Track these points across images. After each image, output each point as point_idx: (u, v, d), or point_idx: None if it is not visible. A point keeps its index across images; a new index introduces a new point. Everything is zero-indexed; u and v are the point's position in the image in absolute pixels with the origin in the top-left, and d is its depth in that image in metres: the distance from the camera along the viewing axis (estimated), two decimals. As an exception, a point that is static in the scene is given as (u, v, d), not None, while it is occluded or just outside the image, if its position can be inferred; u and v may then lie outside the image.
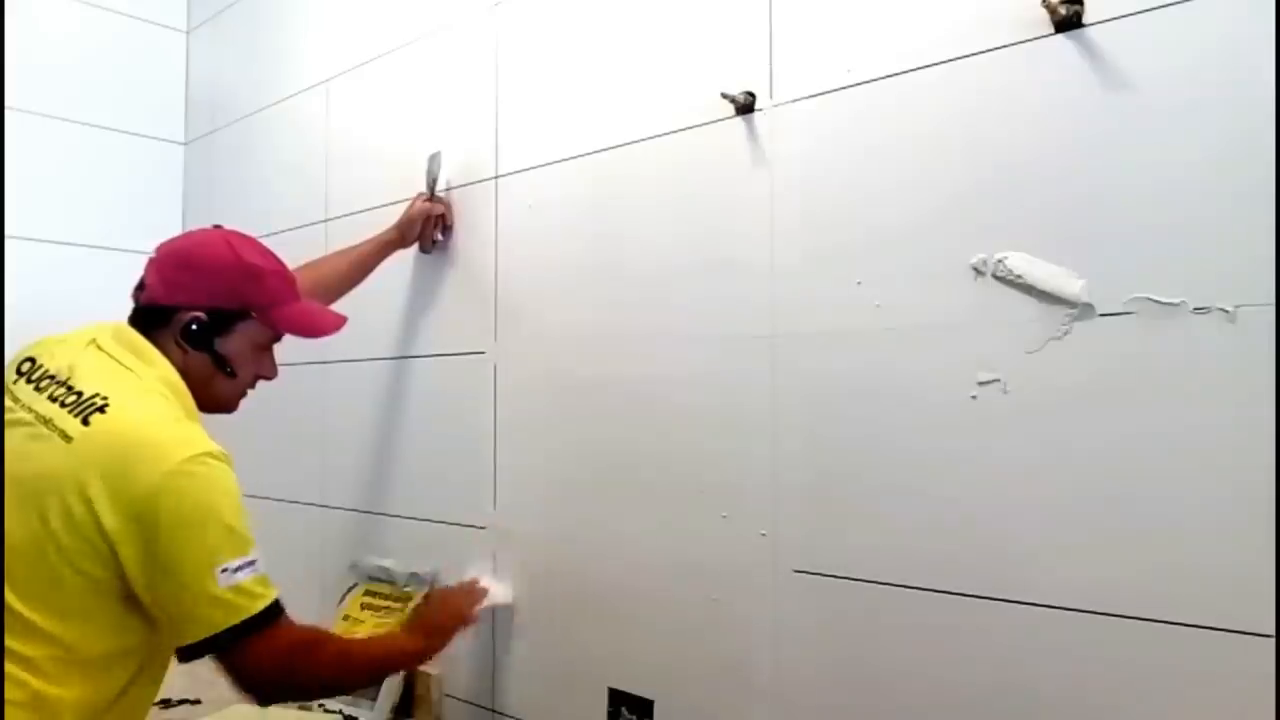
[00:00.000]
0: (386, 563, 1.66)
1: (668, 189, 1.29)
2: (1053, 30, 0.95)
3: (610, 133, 1.36)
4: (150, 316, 1.12)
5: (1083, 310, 0.92)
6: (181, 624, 1.00)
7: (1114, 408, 0.90)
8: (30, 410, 1.03)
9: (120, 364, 1.07)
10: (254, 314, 1.15)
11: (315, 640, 1.10)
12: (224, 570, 0.98)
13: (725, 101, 1.20)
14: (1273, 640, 0.81)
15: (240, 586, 0.99)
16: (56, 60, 2.17)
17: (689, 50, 1.27)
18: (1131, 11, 0.90)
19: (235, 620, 0.99)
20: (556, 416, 1.42)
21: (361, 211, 1.76)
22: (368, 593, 1.66)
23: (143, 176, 2.32)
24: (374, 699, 1.54)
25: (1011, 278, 0.97)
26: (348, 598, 1.68)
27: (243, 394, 1.22)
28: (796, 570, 1.13)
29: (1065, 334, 0.93)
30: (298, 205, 1.97)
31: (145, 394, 1.05)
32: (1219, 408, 0.84)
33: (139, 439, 0.98)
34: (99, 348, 1.09)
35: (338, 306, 1.53)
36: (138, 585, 0.99)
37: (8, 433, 1.04)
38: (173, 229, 2.37)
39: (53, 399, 1.03)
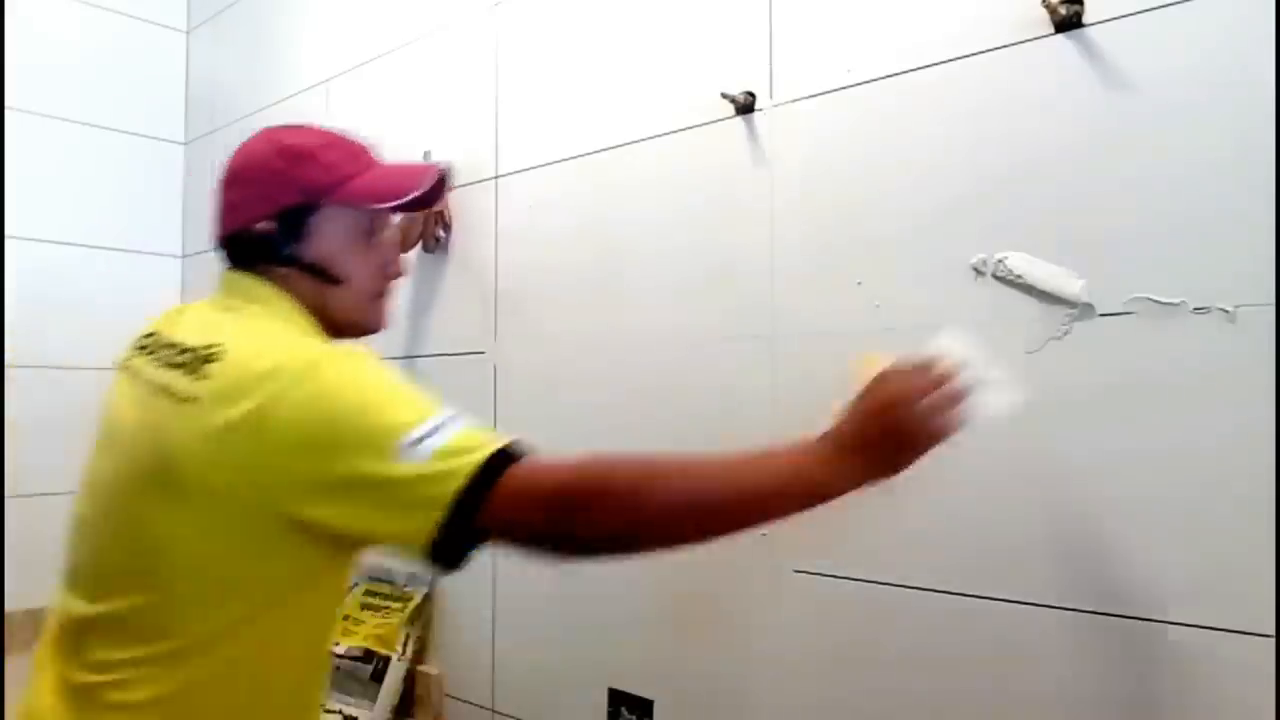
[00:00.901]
0: (386, 563, 1.66)
1: (668, 189, 1.29)
2: (1053, 30, 0.95)
3: (610, 133, 1.36)
4: (235, 257, 0.95)
5: (1083, 310, 0.92)
6: (406, 543, 0.76)
7: (1114, 408, 0.90)
8: (149, 383, 0.88)
9: (226, 310, 0.91)
10: (322, 200, 0.92)
11: (609, 465, 0.81)
12: (407, 444, 0.74)
13: (725, 101, 1.20)
14: (1273, 640, 0.81)
15: (440, 451, 0.75)
16: (56, 60, 2.17)
17: (689, 50, 1.27)
18: (1131, 11, 0.90)
19: (452, 489, 0.73)
20: (556, 416, 1.41)
21: (361, 211, 1.76)
22: (368, 592, 1.66)
23: (143, 176, 2.32)
24: (374, 699, 1.54)
25: (1011, 278, 0.97)
26: (347, 598, 1.69)
27: (374, 303, 0.98)
28: (796, 570, 1.13)
29: (1065, 334, 0.93)
30: (298, 205, 1.97)
31: (258, 330, 0.88)
32: (1219, 408, 0.84)
33: (261, 372, 0.79)
34: (209, 303, 0.95)
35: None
36: (317, 521, 0.78)
37: (119, 414, 0.90)
38: (173, 229, 2.39)
39: (169, 365, 0.87)
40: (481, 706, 1.51)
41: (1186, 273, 0.86)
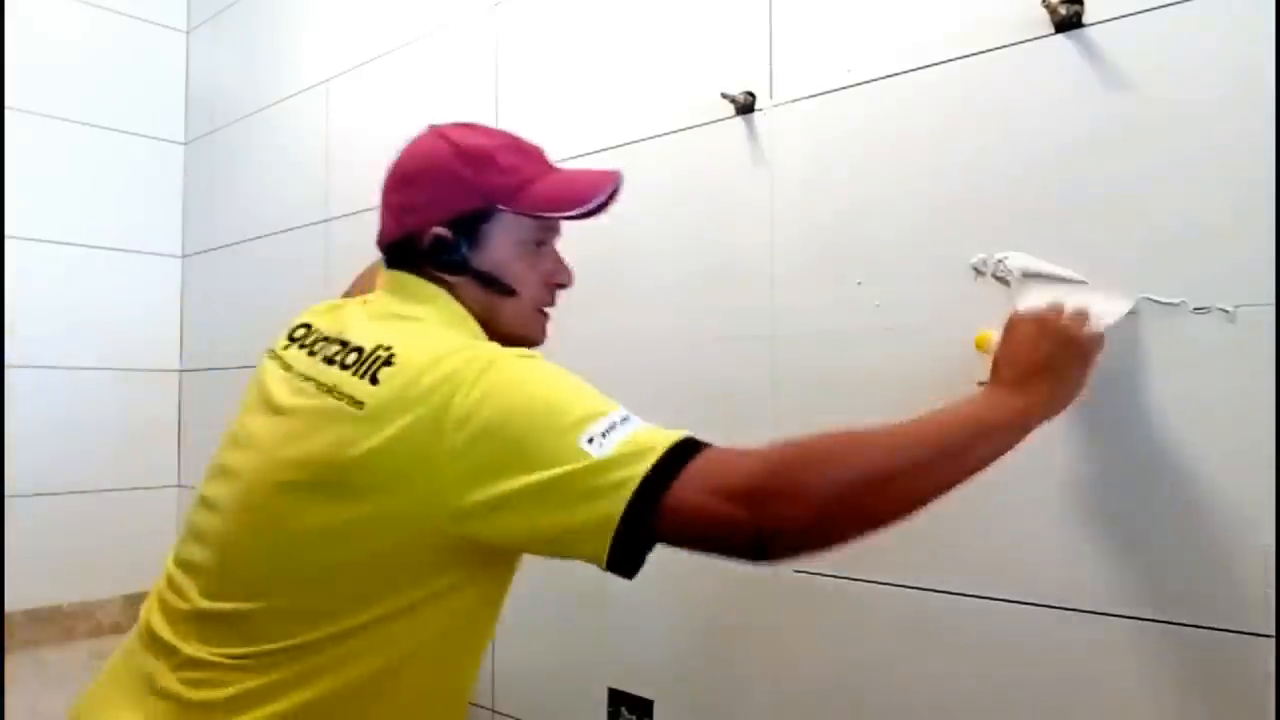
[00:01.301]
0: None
1: (668, 189, 1.29)
2: (1053, 30, 0.95)
3: (610, 132, 1.36)
4: (401, 259, 0.91)
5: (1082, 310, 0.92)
6: (584, 541, 0.74)
7: (1114, 407, 0.90)
8: (309, 379, 0.84)
9: (394, 314, 0.88)
10: (500, 205, 0.89)
11: (797, 449, 0.73)
12: (587, 440, 0.72)
13: (725, 101, 1.20)
14: (1273, 640, 0.81)
15: (623, 442, 0.72)
16: (56, 60, 2.17)
17: (689, 50, 1.27)
18: (1131, 11, 0.90)
19: (639, 473, 0.70)
20: (556, 416, 1.41)
21: (362, 211, 1.76)
22: (368, 593, 1.66)
23: (143, 176, 2.32)
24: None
25: (1011, 278, 0.97)
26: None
27: (541, 313, 0.96)
28: (797, 570, 1.13)
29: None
30: (298, 205, 1.97)
31: (429, 334, 0.85)
32: (1219, 408, 0.84)
33: (436, 377, 0.76)
34: (368, 303, 0.92)
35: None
36: (504, 536, 0.77)
37: (269, 404, 0.87)
38: (173, 229, 2.39)
39: (331, 361, 0.84)
40: (481, 706, 1.51)
41: (1186, 273, 0.86)
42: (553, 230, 0.95)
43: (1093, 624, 0.91)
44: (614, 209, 1.35)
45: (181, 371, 2.33)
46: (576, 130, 1.41)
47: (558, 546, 0.77)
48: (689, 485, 0.70)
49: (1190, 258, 0.86)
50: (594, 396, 0.77)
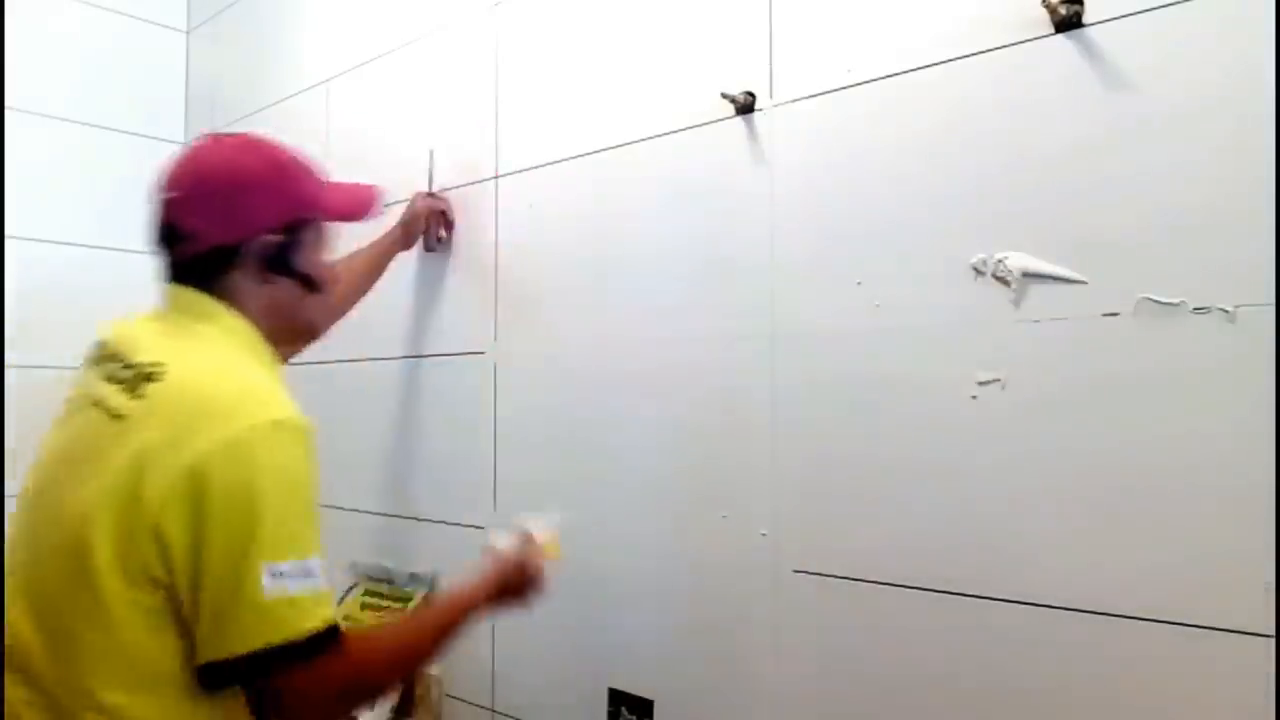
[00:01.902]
0: (386, 563, 1.66)
1: (668, 189, 1.28)
2: (1053, 30, 0.95)
3: (610, 133, 1.36)
4: (210, 263, 0.93)
5: (1083, 310, 0.92)
6: (211, 633, 0.81)
7: (1114, 408, 0.90)
8: (87, 395, 0.89)
9: (180, 327, 0.92)
10: (318, 213, 0.99)
11: (366, 653, 0.89)
12: (271, 573, 0.79)
13: (725, 101, 1.20)
14: (1273, 640, 0.81)
15: (291, 598, 0.80)
16: (56, 60, 2.17)
17: (689, 50, 1.27)
18: (1131, 11, 0.90)
19: (273, 639, 0.79)
20: (556, 416, 1.41)
21: (361, 211, 1.76)
22: (368, 593, 1.66)
23: (143, 176, 2.31)
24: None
25: (1011, 278, 0.97)
26: (348, 598, 1.68)
27: (333, 309, 1.08)
28: (796, 570, 1.13)
29: (1065, 334, 0.93)
30: (298, 205, 1.97)
31: (207, 352, 0.89)
32: (1219, 407, 0.84)
33: (199, 400, 0.82)
34: (158, 316, 0.96)
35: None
36: (181, 584, 0.81)
37: (59, 428, 0.93)
38: (173, 229, 2.38)
39: (109, 379, 0.88)
40: (481, 706, 1.51)
41: (1186, 273, 0.86)
42: (336, 236, 1.07)
43: (1092, 624, 0.91)
44: (613, 208, 1.35)
45: (181, 371, 2.33)
46: (577, 130, 1.41)
47: (201, 639, 0.82)
48: (291, 677, 0.82)
49: (1190, 258, 0.86)
50: (302, 532, 0.83)
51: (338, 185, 1.05)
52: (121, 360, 0.89)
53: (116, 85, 2.27)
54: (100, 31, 2.25)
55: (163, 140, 2.36)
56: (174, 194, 0.94)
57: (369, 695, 1.00)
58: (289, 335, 1.00)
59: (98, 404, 0.87)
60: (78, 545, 0.82)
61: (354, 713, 1.00)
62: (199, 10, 2.37)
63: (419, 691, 1.58)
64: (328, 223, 1.02)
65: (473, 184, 1.58)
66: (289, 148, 0.99)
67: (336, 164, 1.89)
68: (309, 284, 0.98)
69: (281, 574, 0.80)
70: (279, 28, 2.10)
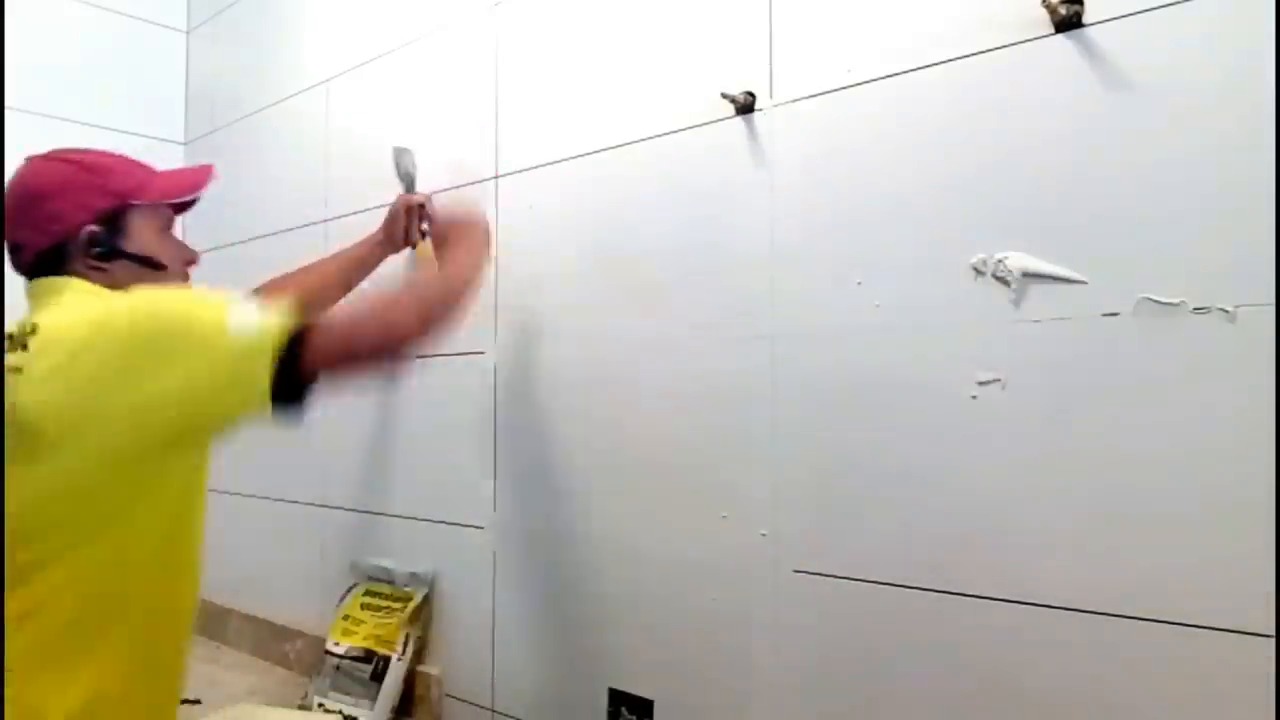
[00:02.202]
0: (386, 563, 1.66)
1: (668, 189, 1.29)
2: (1053, 30, 0.95)
3: (610, 133, 1.36)
4: (49, 266, 1.04)
5: (1083, 310, 0.92)
6: (247, 390, 0.90)
7: (1114, 408, 0.90)
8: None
9: (44, 302, 1.02)
10: (133, 200, 1.08)
11: (359, 305, 1.07)
12: (234, 322, 0.89)
13: (725, 101, 1.20)
14: (1273, 640, 0.81)
15: (255, 324, 0.90)
16: (56, 60, 2.17)
17: (689, 50, 1.27)
18: (1131, 11, 0.90)
19: (271, 352, 0.89)
20: (556, 416, 1.42)
21: (361, 211, 1.76)
22: (368, 593, 1.66)
23: (143, 176, 2.32)
24: (374, 699, 1.54)
25: (1011, 278, 0.97)
26: (348, 598, 1.69)
27: (185, 286, 1.14)
28: (796, 570, 1.13)
29: (1065, 334, 0.93)
30: (298, 205, 1.97)
31: (70, 303, 1.00)
32: (1219, 408, 0.85)
33: (81, 324, 0.92)
34: (30, 306, 1.05)
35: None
36: (179, 422, 0.90)
37: None
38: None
39: (9, 353, 0.97)
40: (481, 706, 1.51)
41: (1186, 273, 0.86)
42: (172, 219, 1.14)
43: (1092, 624, 0.91)
44: (613, 208, 1.35)
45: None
46: (577, 130, 1.41)
47: (233, 412, 0.93)
48: (305, 354, 0.91)
49: (1190, 258, 0.86)
50: (222, 296, 0.93)
51: (168, 172, 1.15)
52: (10, 337, 0.99)
53: (116, 85, 2.27)
54: (100, 31, 2.25)
55: (163, 140, 2.36)
56: (3, 216, 1.07)
57: (378, 325, 1.00)
58: None
59: (8, 372, 0.96)
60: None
61: (380, 347, 1.01)
62: (199, 10, 2.37)
63: (419, 691, 1.58)
64: (160, 207, 1.11)
65: (472, 184, 1.58)
66: (101, 151, 1.11)
67: (336, 164, 1.90)
68: (147, 263, 1.08)
69: (237, 323, 0.90)
70: (279, 28, 2.10)
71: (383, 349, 1.01)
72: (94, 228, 1.04)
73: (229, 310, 0.90)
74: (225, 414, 0.93)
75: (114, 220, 1.06)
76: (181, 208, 1.14)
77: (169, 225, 1.13)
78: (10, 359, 0.95)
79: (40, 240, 1.04)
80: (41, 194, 1.05)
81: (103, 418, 0.88)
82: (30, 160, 1.10)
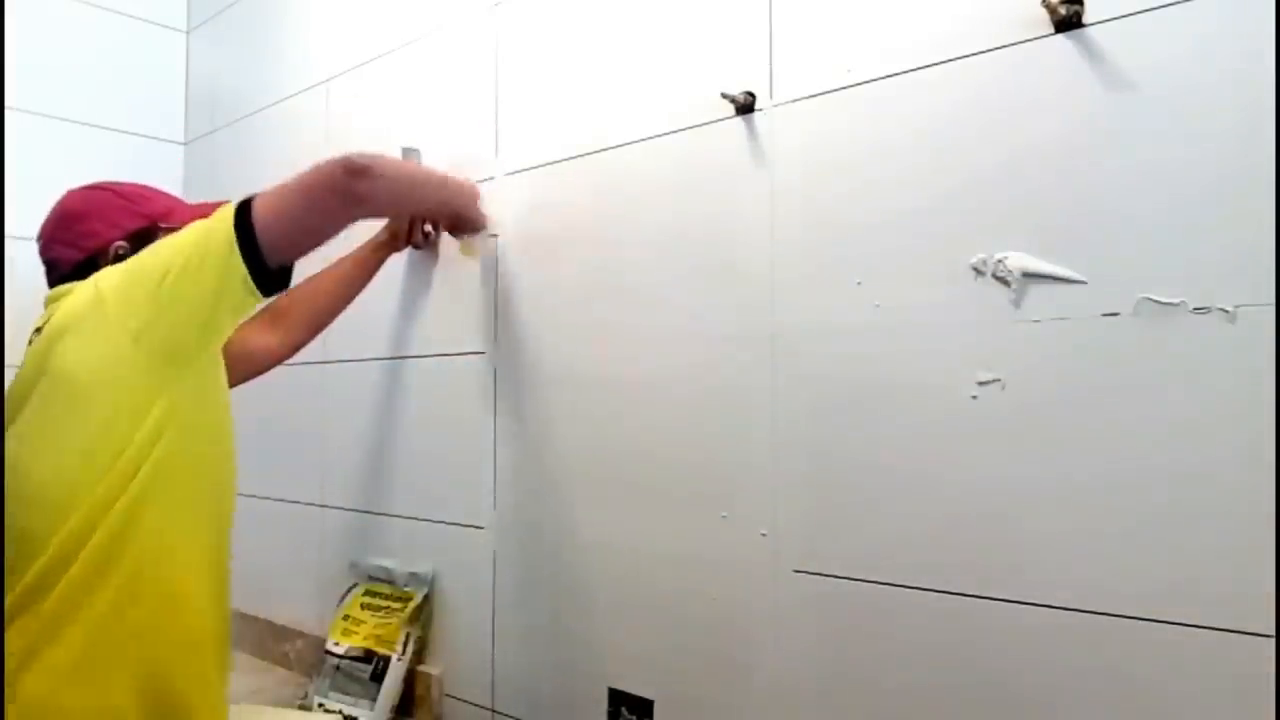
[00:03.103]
0: (386, 563, 1.66)
1: (668, 189, 1.29)
2: (1053, 30, 0.95)
3: (610, 133, 1.36)
4: (75, 277, 1.17)
5: (1083, 310, 0.92)
6: (226, 272, 1.04)
7: (1114, 408, 0.90)
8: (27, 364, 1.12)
9: (64, 297, 1.14)
10: (161, 224, 1.21)
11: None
12: (206, 247, 1.04)
13: (725, 101, 1.20)
14: (1273, 640, 0.81)
15: (203, 224, 1.06)
16: (56, 60, 2.17)
17: (689, 50, 1.27)
18: (1131, 11, 0.90)
19: (230, 224, 1.05)
20: (556, 416, 1.42)
21: (361, 211, 1.76)
22: (368, 593, 1.66)
23: (143, 176, 2.29)
24: (374, 699, 1.54)
25: (1011, 278, 0.97)
26: (348, 598, 1.69)
27: None
28: (796, 570, 1.13)
29: (1065, 334, 0.93)
30: (298, 205, 1.97)
31: (82, 287, 1.12)
32: (1219, 408, 0.84)
33: (83, 302, 1.07)
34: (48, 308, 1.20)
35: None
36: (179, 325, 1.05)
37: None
38: (173, 229, 2.38)
39: (30, 345, 1.13)
40: (481, 706, 1.51)
41: (1186, 273, 0.86)
42: None
43: (1092, 624, 0.91)
44: (613, 208, 1.35)
45: (181, 371, 2.33)
46: (577, 130, 1.41)
47: (225, 295, 1.06)
48: (253, 223, 1.07)
49: (1190, 258, 0.86)
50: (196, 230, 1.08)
51: (195, 205, 1.25)
52: (37, 330, 1.15)
53: (116, 85, 2.27)
54: (100, 31, 2.25)
55: (163, 140, 2.36)
56: (42, 240, 1.24)
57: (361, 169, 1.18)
58: None
59: (30, 359, 1.11)
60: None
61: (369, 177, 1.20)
62: (199, 10, 2.37)
63: (419, 691, 1.58)
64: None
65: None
66: (135, 184, 1.27)
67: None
68: None
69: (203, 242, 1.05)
70: (279, 28, 2.10)
71: (312, 194, 1.15)
72: (123, 243, 1.19)
73: (197, 237, 1.05)
74: (225, 305, 1.06)
75: (142, 238, 1.18)
76: None
77: None
78: (32, 349, 1.11)
79: (74, 255, 1.18)
80: (79, 215, 1.20)
81: (117, 346, 1.02)
82: (71, 191, 1.25)
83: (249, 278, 1.04)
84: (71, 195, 1.23)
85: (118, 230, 1.19)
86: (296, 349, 1.53)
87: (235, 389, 1.24)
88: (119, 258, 1.16)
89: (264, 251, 1.05)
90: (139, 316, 1.02)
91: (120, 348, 1.02)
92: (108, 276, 1.08)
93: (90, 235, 1.19)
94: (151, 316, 1.03)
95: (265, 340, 1.48)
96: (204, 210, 1.19)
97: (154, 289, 1.03)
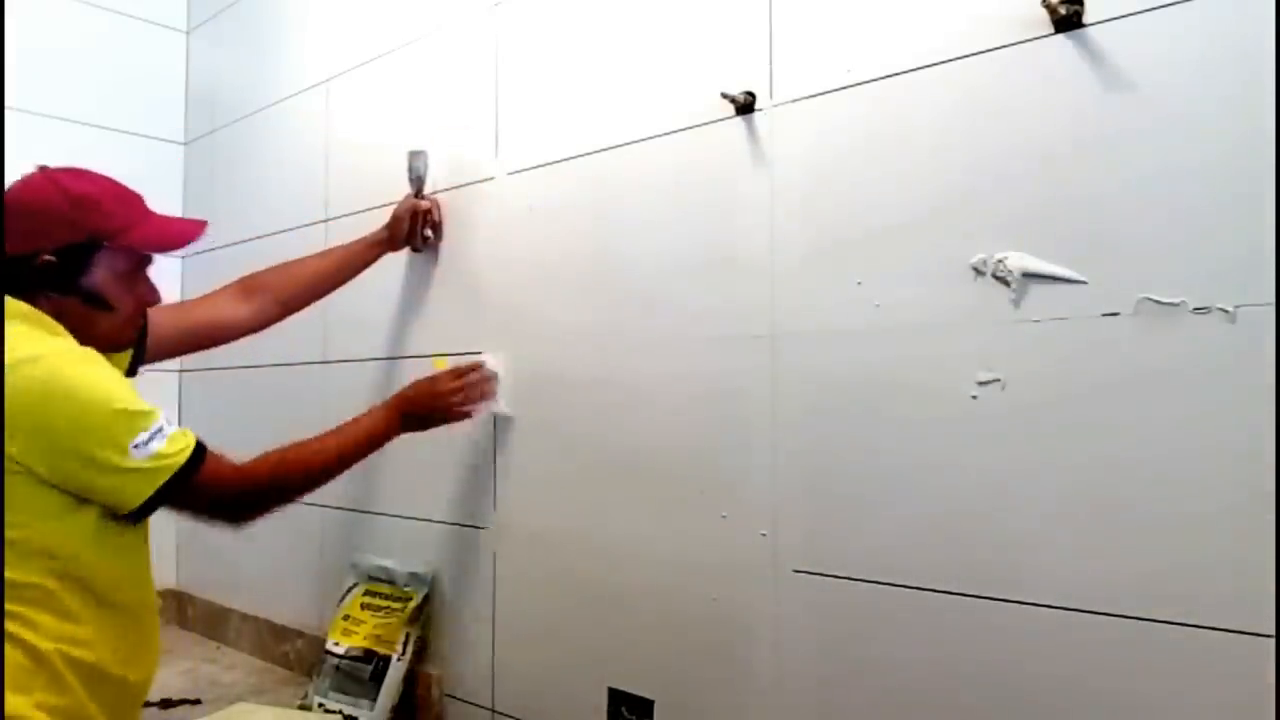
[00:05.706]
0: (386, 563, 1.66)
1: (668, 189, 1.29)
2: (1053, 30, 0.95)
3: (610, 133, 1.36)
4: (12, 279, 1.06)
5: (1083, 310, 0.92)
6: (118, 502, 1.01)
7: (1114, 408, 0.90)
8: None
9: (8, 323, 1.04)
10: (106, 242, 1.08)
11: (263, 458, 1.15)
12: (135, 447, 0.99)
13: (725, 101, 1.20)
14: (1273, 640, 0.81)
15: (157, 454, 1.00)
16: (56, 60, 2.17)
17: (689, 50, 1.27)
18: (1131, 11, 0.90)
19: (162, 481, 1.00)
20: (556, 416, 1.42)
21: (361, 211, 1.76)
22: (368, 593, 1.66)
23: (143, 176, 2.29)
24: (374, 699, 1.54)
25: (1011, 278, 0.97)
26: (348, 598, 1.69)
27: (133, 325, 1.17)
28: (796, 570, 1.13)
29: (1065, 334, 0.93)
30: (298, 205, 1.97)
31: (12, 341, 1.01)
32: (1219, 407, 0.84)
33: (10, 370, 0.96)
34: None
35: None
36: (43, 473, 0.97)
37: None
38: (173, 229, 2.38)
39: None
40: (481, 706, 1.51)
41: (1186, 273, 0.86)
42: (149, 261, 1.16)
43: (1092, 624, 0.91)
44: (614, 208, 1.35)
45: (180, 372, 2.33)
46: (576, 130, 1.41)
47: (101, 501, 1.01)
48: (190, 488, 1.03)
49: (1190, 258, 0.86)
50: (140, 409, 1.01)
51: (162, 219, 1.16)
52: None
53: (116, 85, 2.27)
54: (100, 31, 2.25)
55: (163, 140, 2.36)
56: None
57: (273, 493, 1.14)
58: (95, 343, 1.06)
59: None
60: None
61: (266, 497, 1.14)
62: (199, 10, 2.37)
63: (419, 691, 1.58)
64: (133, 251, 1.11)
65: (472, 184, 1.58)
66: (105, 185, 1.11)
67: (336, 164, 1.90)
68: (96, 302, 1.08)
69: (143, 444, 0.99)
70: (279, 28, 2.10)
71: (280, 488, 1.15)
72: (49, 258, 1.04)
73: (135, 435, 0.99)
74: (98, 498, 1.01)
75: (76, 255, 1.07)
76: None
77: (144, 265, 1.15)
78: None
79: (10, 247, 1.05)
80: (18, 208, 1.06)
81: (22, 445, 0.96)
82: (35, 171, 1.10)
83: (131, 515, 1.02)
84: (26, 180, 1.09)
85: (46, 241, 1.04)
86: (267, 325, 1.49)
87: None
88: (45, 270, 1.04)
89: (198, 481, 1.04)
90: (32, 455, 0.96)
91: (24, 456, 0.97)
92: (57, 375, 0.97)
93: (19, 235, 1.05)
94: (38, 463, 0.97)
95: (236, 311, 1.44)
96: (169, 225, 1.15)
97: (60, 448, 0.96)
